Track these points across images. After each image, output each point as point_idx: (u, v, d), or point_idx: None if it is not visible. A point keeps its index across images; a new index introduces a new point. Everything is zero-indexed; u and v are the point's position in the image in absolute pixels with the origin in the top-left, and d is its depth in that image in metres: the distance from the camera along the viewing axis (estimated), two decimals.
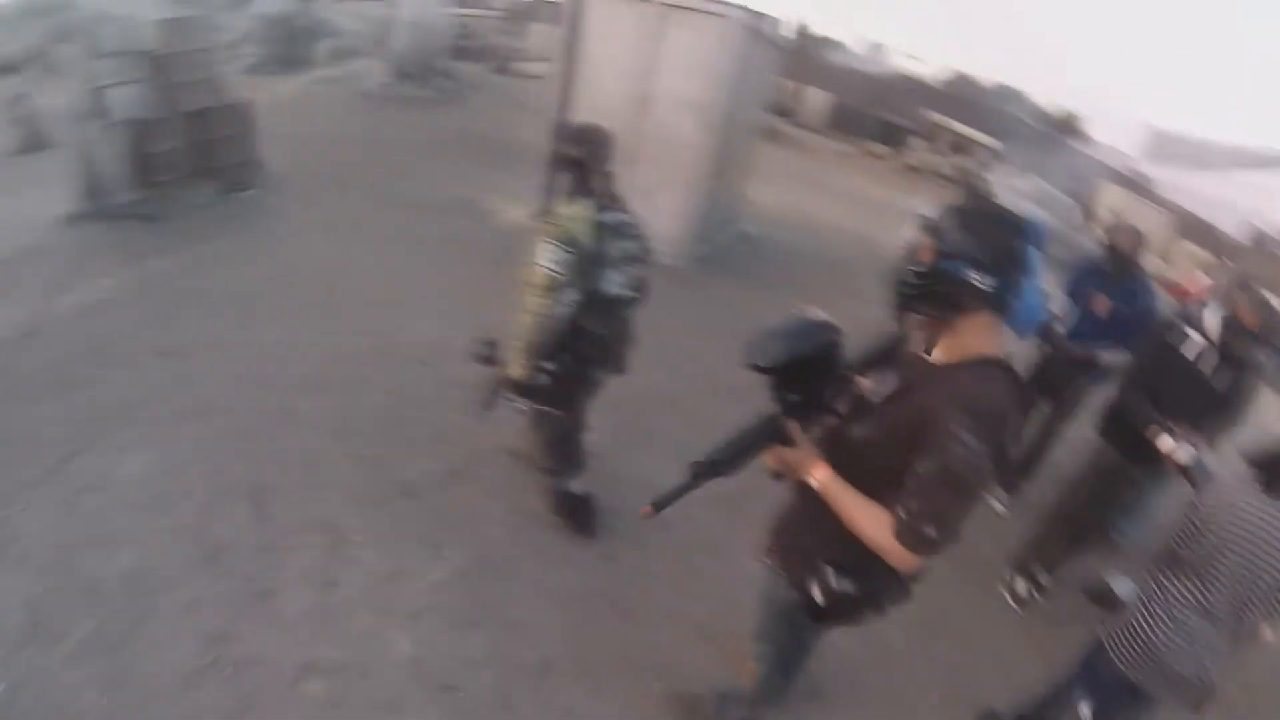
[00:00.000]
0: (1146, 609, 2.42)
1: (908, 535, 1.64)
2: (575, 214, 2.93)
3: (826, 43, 32.64)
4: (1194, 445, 3.03)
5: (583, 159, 3.01)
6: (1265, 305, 3.15)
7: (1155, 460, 3.24)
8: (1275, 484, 2.25)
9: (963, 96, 28.73)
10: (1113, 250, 4.22)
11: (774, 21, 7.91)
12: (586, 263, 2.91)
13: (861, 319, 2.07)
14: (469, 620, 3.17)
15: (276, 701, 2.75)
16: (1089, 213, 16.81)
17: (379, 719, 2.75)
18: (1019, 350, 2.18)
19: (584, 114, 7.18)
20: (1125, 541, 4.18)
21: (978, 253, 1.61)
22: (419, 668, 2.94)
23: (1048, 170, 19.28)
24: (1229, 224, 18.87)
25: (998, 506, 4.66)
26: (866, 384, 1.90)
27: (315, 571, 3.31)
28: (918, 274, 1.69)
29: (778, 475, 1.94)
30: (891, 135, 22.91)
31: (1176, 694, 2.39)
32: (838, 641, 2.35)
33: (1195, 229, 16.99)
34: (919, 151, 20.40)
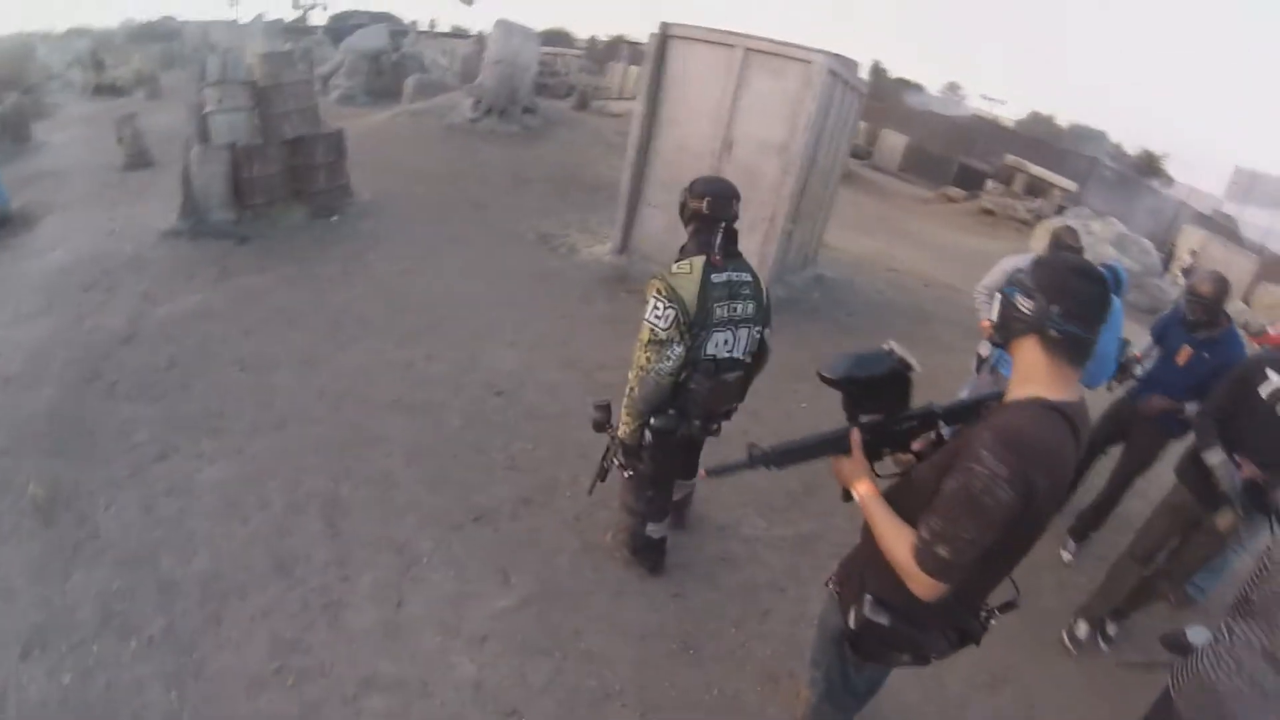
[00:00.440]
0: (1214, 654, 2.27)
1: (923, 555, 1.66)
2: (685, 271, 2.88)
3: (903, 85, 32.61)
4: (1247, 472, 3.03)
5: (704, 213, 2.96)
6: None
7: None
8: None
9: (1040, 138, 28.27)
10: (1193, 297, 3.93)
11: (853, 64, 7.90)
12: (692, 321, 2.85)
13: (937, 365, 2.03)
14: (534, 647, 3.12)
15: (337, 714, 2.75)
16: (1171, 256, 16.19)
17: None
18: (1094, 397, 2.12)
19: (666, 154, 7.28)
20: (1202, 597, 3.94)
21: (1030, 280, 1.67)
22: (481, 690, 2.90)
23: (1127, 213, 18.72)
24: None
25: (1065, 555, 4.43)
26: (946, 431, 1.96)
27: (384, 589, 3.32)
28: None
29: (846, 496, 1.98)
30: (967, 178, 22.54)
31: None
32: (897, 689, 2.25)
33: None
34: (995, 195, 19.94)
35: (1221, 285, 3.89)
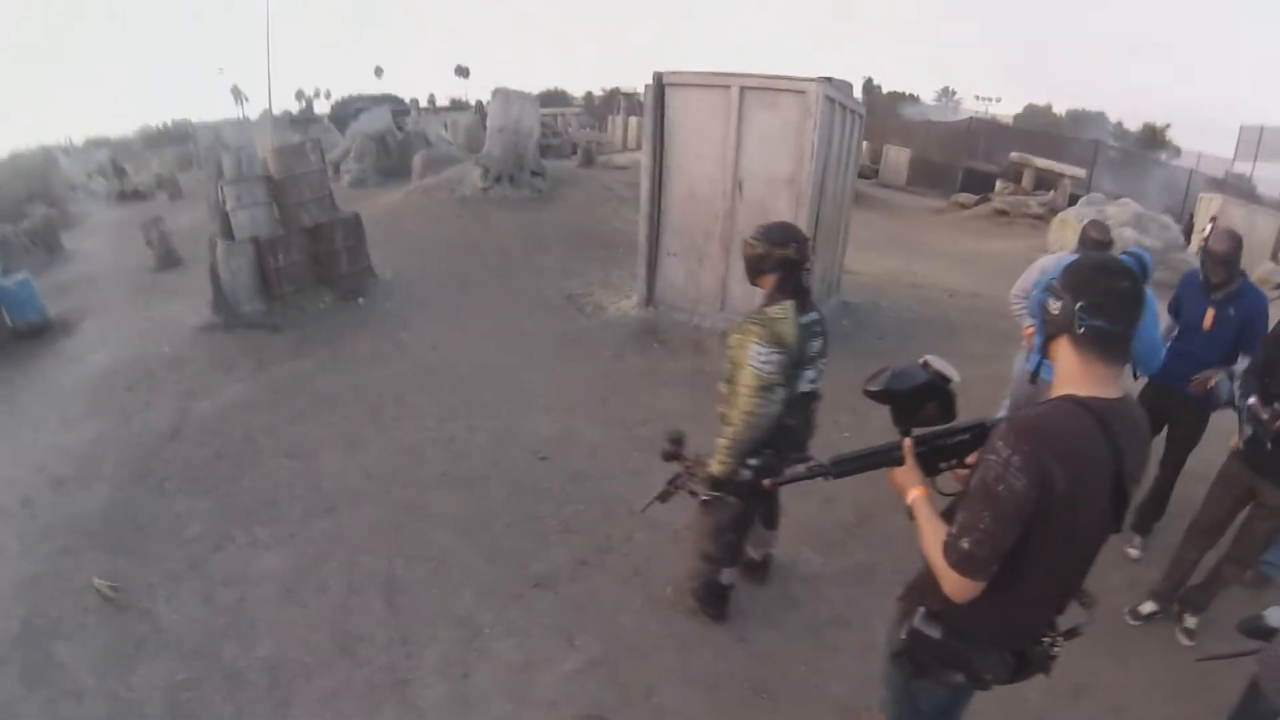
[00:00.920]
0: None
1: (949, 549, 1.70)
2: (781, 315, 2.97)
3: (898, 98, 32.86)
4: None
5: (789, 259, 3.04)
6: None
7: None
8: None
9: (1039, 130, 28.19)
10: (1210, 257, 3.94)
11: (848, 86, 7.99)
12: (792, 363, 2.97)
13: (969, 376, 2.06)
14: (606, 708, 3.09)
15: None
16: (1190, 227, 15.93)
17: None
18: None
19: (679, 202, 7.36)
20: (1277, 573, 3.89)
21: (1057, 283, 1.70)
22: None
23: (1140, 190, 18.49)
24: None
25: (1132, 551, 4.31)
26: None
27: (449, 662, 3.32)
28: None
29: (911, 515, 1.99)
30: (975, 182, 22.42)
31: None
32: (975, 708, 2.20)
33: None
34: (1005, 195, 19.80)
35: (1236, 241, 3.93)
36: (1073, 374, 1.69)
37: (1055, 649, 1.91)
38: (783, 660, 3.42)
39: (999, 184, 20.98)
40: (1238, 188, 22.49)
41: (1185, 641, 3.62)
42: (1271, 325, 3.57)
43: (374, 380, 6.31)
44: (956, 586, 1.71)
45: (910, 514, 1.92)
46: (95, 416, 5.73)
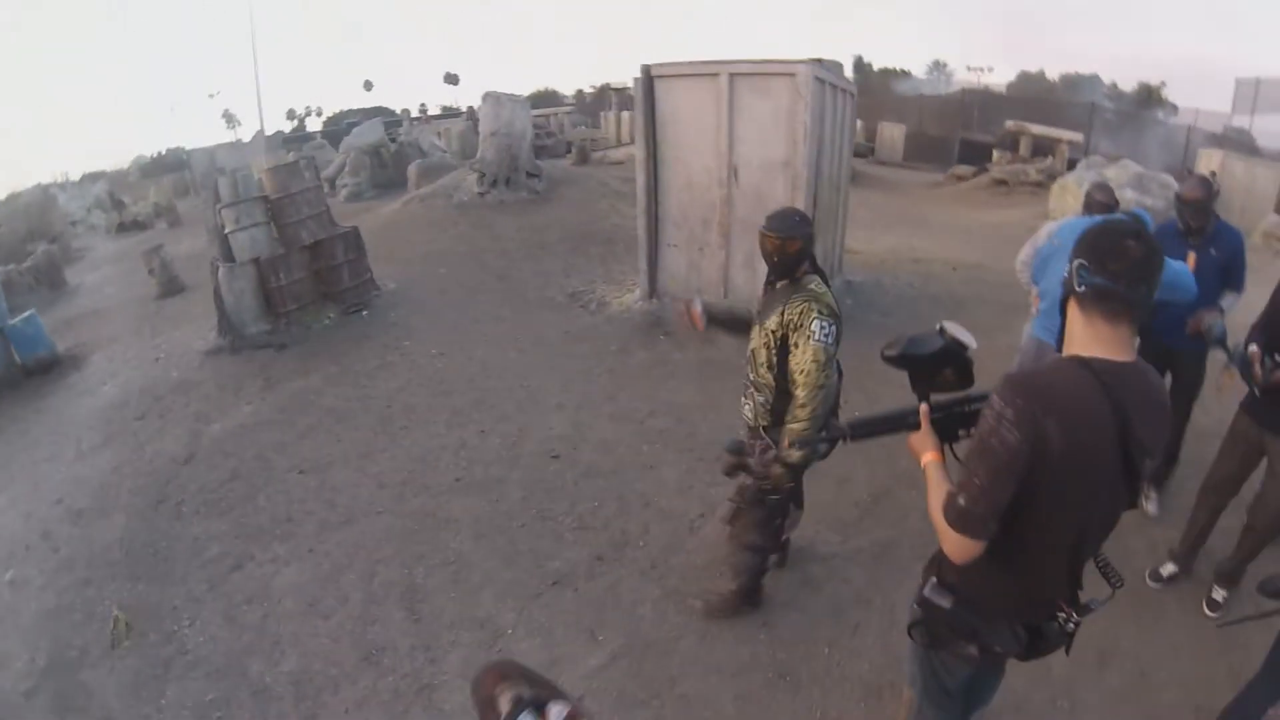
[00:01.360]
0: None
1: (947, 506, 1.69)
2: (825, 290, 3.07)
3: (890, 74, 32.67)
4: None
5: (809, 240, 3.10)
6: None
7: None
8: None
9: (1033, 97, 28.00)
10: (1184, 204, 4.02)
11: (838, 66, 7.94)
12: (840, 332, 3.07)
13: (978, 347, 2.05)
14: (632, 700, 3.10)
15: None
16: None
17: None
18: None
19: (676, 193, 7.34)
20: None
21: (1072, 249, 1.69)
22: None
23: (1138, 150, 18.32)
24: None
25: (1149, 507, 4.27)
26: None
27: (473, 666, 3.28)
28: None
29: None
30: (972, 153, 22.25)
31: None
32: (1005, 681, 2.19)
33: None
34: (1003, 164, 19.66)
35: (1208, 186, 4.05)
36: (1077, 335, 1.68)
37: (1071, 625, 1.86)
38: (805, 643, 3.41)
39: (996, 154, 20.84)
40: (1237, 141, 22.22)
41: (1209, 613, 3.58)
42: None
43: (382, 391, 6.33)
44: (955, 546, 1.70)
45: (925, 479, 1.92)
46: (109, 447, 5.78)
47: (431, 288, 9.16)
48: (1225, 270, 4.02)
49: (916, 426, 1.97)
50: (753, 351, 3.21)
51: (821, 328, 2.93)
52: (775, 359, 3.07)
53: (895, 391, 1.98)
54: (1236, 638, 3.12)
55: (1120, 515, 1.78)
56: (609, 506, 4.51)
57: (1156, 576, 3.77)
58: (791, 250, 3.05)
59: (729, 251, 7.05)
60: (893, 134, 25.39)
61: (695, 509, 4.40)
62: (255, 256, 7.57)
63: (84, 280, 14.40)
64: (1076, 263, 1.64)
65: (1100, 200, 4.31)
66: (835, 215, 8.17)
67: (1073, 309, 1.68)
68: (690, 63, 7.04)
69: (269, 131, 33.64)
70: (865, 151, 23.49)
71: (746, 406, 3.30)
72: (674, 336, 7.12)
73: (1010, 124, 21.33)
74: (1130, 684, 3.20)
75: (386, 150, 19.36)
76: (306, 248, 7.98)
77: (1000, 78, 33.66)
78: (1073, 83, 30.75)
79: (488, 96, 12.71)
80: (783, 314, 3.01)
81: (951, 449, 1.96)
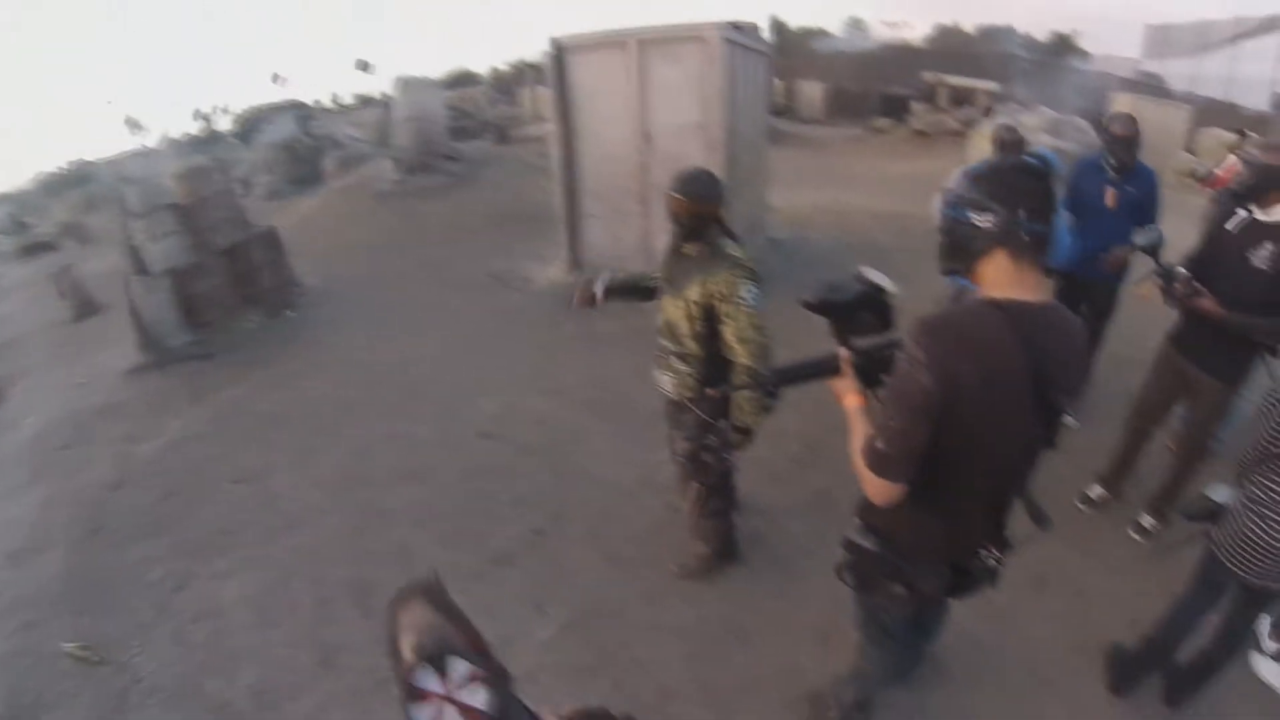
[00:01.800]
0: (1259, 515, 2.31)
1: (866, 450, 1.72)
2: (742, 252, 3.01)
3: (808, 34, 32.75)
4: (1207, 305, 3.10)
5: (719, 202, 3.03)
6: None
7: (1230, 363, 3.24)
8: None
9: (950, 49, 28.48)
10: (1115, 140, 4.15)
11: (753, 28, 7.99)
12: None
13: (903, 294, 2.11)
14: (586, 669, 3.17)
15: None
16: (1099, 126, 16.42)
17: None
18: None
19: (592, 164, 7.33)
20: (1220, 446, 4.00)
21: (977, 194, 1.65)
22: None
23: (1054, 97, 18.90)
24: (1253, 98, 18.32)
25: (1069, 421, 4.44)
26: None
27: None
28: (939, 230, 1.77)
29: None
30: (892, 107, 22.61)
31: None
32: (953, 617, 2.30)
33: (1217, 114, 16.37)
34: (923, 116, 20.06)
35: (1135, 124, 4.17)
36: (1003, 281, 1.65)
37: (994, 562, 1.91)
38: (752, 596, 3.52)
39: (915, 106, 21.18)
40: (1148, 85, 23.05)
41: (1135, 537, 3.78)
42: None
43: (314, 391, 6.23)
44: (875, 488, 1.72)
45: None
46: (38, 482, 5.56)
47: (356, 281, 9.02)
48: (1140, 207, 4.16)
49: (839, 372, 1.99)
50: (670, 323, 3.13)
51: (751, 293, 2.90)
52: (702, 329, 3.00)
53: (823, 344, 2.02)
54: (1170, 557, 3.32)
55: (1039, 455, 1.79)
56: (544, 480, 4.57)
57: (1085, 499, 3.98)
58: (701, 212, 2.97)
59: (649, 218, 7.10)
60: (812, 92, 25.55)
61: (630, 475, 4.49)
62: (171, 266, 7.29)
63: None
64: (1020, 213, 1.60)
65: (1010, 139, 4.47)
66: (755, 175, 8.26)
67: (1003, 259, 1.64)
68: (598, 34, 7.03)
69: (176, 135, 32.38)
70: (785, 110, 23.60)
71: (666, 379, 3.23)
72: (599, 307, 7.11)
73: (928, 76, 21.70)
74: (1068, 605, 3.40)
75: (301, 145, 18.77)
76: (223, 252, 7.73)
77: (917, 33, 34.04)
78: (989, 35, 31.27)
79: (399, 82, 12.48)
80: (705, 284, 2.92)
81: (875, 393, 1.97)
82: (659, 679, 3.12)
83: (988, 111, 17.06)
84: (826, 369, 2.01)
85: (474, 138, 18.12)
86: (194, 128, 35.11)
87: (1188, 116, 15.10)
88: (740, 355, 2.93)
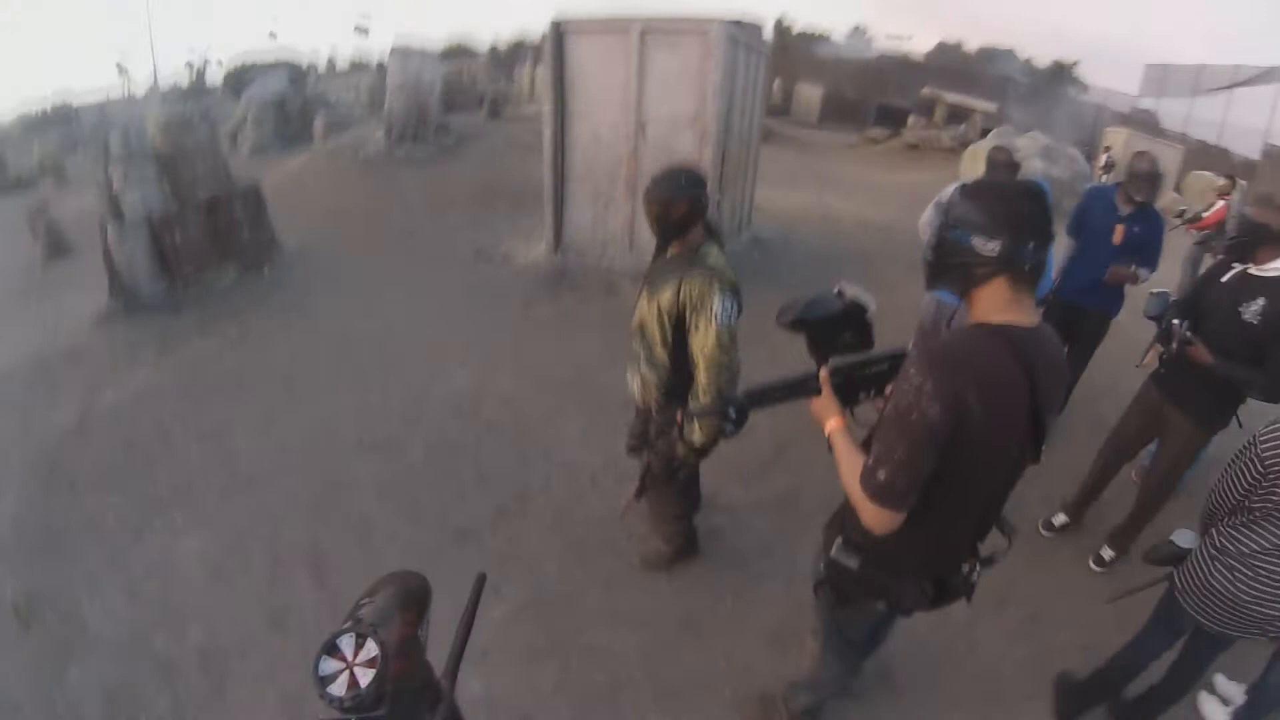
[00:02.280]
0: (1225, 567, 2.32)
1: (866, 479, 1.66)
2: (723, 261, 2.80)
3: (809, 38, 32.82)
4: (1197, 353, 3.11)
5: (702, 204, 2.79)
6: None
7: (1209, 408, 3.28)
8: None
9: (951, 66, 28.72)
10: (1139, 178, 4.19)
11: (755, 27, 7.98)
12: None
13: (885, 304, 2.07)
14: (537, 652, 3.17)
15: None
16: (1096, 157, 16.61)
17: None
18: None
19: (583, 147, 7.28)
20: (1181, 485, 3.96)
21: (981, 218, 1.60)
22: (491, 703, 2.93)
23: (1049, 124, 19.12)
24: (1243, 145, 18.69)
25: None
26: None
27: None
28: (932, 249, 1.73)
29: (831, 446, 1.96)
30: (888, 117, 22.76)
31: (1266, 633, 2.32)
32: (904, 622, 2.31)
33: (1208, 157, 16.72)
34: (917, 129, 20.19)
35: (1157, 162, 4.24)
36: (999, 306, 1.63)
37: (974, 576, 1.91)
38: (710, 592, 3.52)
39: (911, 119, 21.31)
40: (1142, 122, 23.41)
41: (1094, 568, 3.82)
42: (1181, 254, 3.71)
43: (284, 353, 6.16)
44: (875, 517, 1.67)
45: (830, 446, 1.87)
46: None
47: (336, 245, 8.91)
48: (1143, 247, 4.20)
49: (817, 392, 1.91)
50: (641, 324, 2.95)
51: (724, 307, 2.68)
52: (671, 337, 2.82)
53: (801, 346, 1.94)
54: (1123, 584, 3.38)
55: (1022, 472, 1.80)
56: (509, 460, 4.55)
57: (1049, 526, 4.04)
58: (676, 215, 2.74)
59: (635, 206, 7.07)
60: (809, 95, 25.68)
61: (596, 461, 4.48)
62: (148, 215, 7.14)
63: None
64: (1029, 244, 1.57)
65: (1003, 160, 4.49)
66: (745, 171, 8.27)
67: (1003, 286, 1.61)
68: (600, 19, 6.95)
69: (165, 81, 31.75)
70: (781, 110, 23.64)
71: (634, 383, 3.07)
72: (579, 290, 7.14)
73: (926, 90, 21.87)
74: (1024, 626, 3.43)
75: (292, 103, 18.49)
76: (203, 205, 7.59)
77: (919, 46, 34.26)
78: (989, 55, 31.53)
79: (396, 49, 12.30)
80: (679, 290, 2.72)
81: (851, 412, 1.94)
82: (610, 668, 3.12)
83: (985, 133, 17.17)
84: (805, 389, 1.93)
85: (466, 111, 17.96)
86: (184, 77, 34.40)
87: (1179, 156, 15.34)
88: (699, 369, 2.76)
